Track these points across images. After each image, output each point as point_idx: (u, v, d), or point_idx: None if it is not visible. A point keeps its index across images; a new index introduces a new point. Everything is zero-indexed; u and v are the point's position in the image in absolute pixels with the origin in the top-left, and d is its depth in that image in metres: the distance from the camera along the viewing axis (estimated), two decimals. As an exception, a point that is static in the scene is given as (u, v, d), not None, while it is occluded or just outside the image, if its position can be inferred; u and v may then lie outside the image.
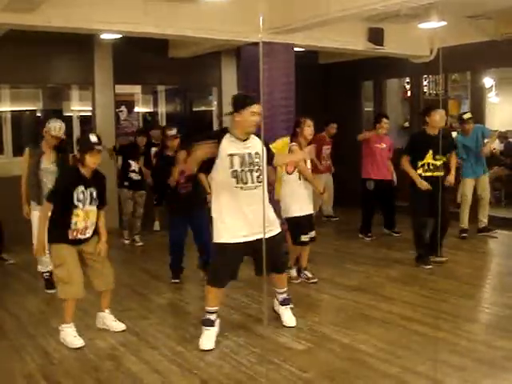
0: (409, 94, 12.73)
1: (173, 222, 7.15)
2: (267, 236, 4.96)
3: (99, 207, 5.35)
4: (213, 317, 5.21)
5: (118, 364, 4.82)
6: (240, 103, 5.08)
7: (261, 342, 5.12)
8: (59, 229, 5.13)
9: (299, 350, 5.01)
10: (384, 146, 9.45)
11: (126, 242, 9.50)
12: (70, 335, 5.21)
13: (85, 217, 5.16)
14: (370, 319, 5.74)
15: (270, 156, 5.34)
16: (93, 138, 5.11)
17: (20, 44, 9.08)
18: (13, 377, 4.63)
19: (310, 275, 7.07)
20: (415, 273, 7.42)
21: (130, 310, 6.12)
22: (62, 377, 4.60)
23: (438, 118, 7.46)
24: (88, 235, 5.26)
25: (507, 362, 4.68)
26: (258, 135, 5.13)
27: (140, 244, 9.46)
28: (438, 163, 7.41)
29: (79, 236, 5.19)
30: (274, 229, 5.28)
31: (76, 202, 5.09)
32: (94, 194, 5.20)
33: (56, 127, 6.63)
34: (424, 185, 7.32)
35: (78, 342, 5.17)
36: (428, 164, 7.42)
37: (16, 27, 7.33)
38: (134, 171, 9.40)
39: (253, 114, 5.00)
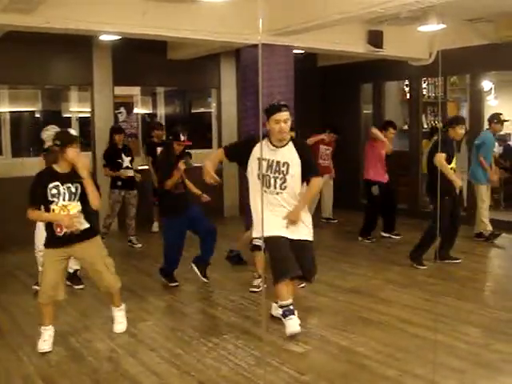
0: (408, 96, 12.72)
1: (170, 224, 7.10)
2: (298, 238, 5.35)
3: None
4: (291, 306, 5.30)
5: (115, 366, 4.81)
6: (267, 112, 5.29)
7: (259, 344, 5.11)
8: (48, 231, 5.17)
9: (298, 353, 5.01)
10: (383, 152, 9.49)
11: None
12: (41, 338, 5.17)
13: (61, 212, 5.05)
14: (368, 322, 5.74)
15: (306, 171, 5.42)
16: (72, 132, 5.27)
17: (19, 45, 9.08)
18: (10, 377, 4.63)
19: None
20: (414, 275, 7.42)
21: (128, 311, 6.09)
22: (59, 378, 4.59)
23: (460, 132, 7.76)
24: (78, 228, 5.13)
25: (505, 365, 4.69)
26: (299, 143, 5.52)
27: (138, 246, 9.44)
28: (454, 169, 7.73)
29: (65, 230, 5.06)
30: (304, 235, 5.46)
31: (50, 198, 5.04)
32: (74, 189, 5.10)
33: (50, 136, 6.64)
34: (459, 183, 7.61)
35: (44, 346, 5.13)
36: (452, 169, 7.65)
37: (15, 28, 7.32)
38: (127, 167, 9.36)
39: (277, 122, 5.21)
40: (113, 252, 8.68)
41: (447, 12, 8.52)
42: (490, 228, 9.26)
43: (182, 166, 6.83)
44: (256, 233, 5.53)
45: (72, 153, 5.04)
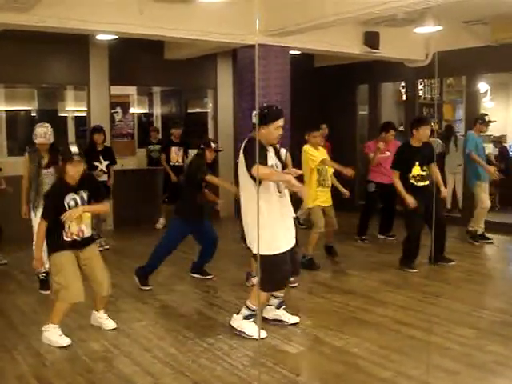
0: (404, 97, 12.75)
1: (179, 224, 7.04)
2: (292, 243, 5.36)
3: (99, 200, 5.48)
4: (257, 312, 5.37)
5: (110, 366, 4.80)
6: (268, 116, 5.17)
7: (254, 344, 5.12)
8: (55, 236, 5.23)
9: (292, 353, 5.01)
10: (388, 154, 9.43)
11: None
12: (56, 334, 5.22)
13: (78, 221, 5.28)
14: (363, 323, 5.75)
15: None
16: (73, 149, 5.26)
17: (15, 44, 9.08)
18: (4, 377, 4.61)
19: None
20: (409, 277, 7.44)
21: (123, 311, 6.11)
22: (53, 378, 4.58)
23: (426, 132, 7.63)
24: (84, 236, 5.34)
25: (499, 367, 4.70)
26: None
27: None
28: (425, 173, 7.62)
29: (75, 237, 5.27)
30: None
31: (68, 209, 5.20)
32: (85, 196, 5.32)
33: (40, 133, 6.69)
34: (412, 202, 7.43)
35: (63, 340, 5.19)
36: (418, 176, 7.59)
37: (11, 27, 7.32)
38: (102, 171, 9.10)
39: (277, 128, 5.18)
40: (107, 251, 8.72)
41: (443, 14, 8.54)
42: (481, 229, 9.26)
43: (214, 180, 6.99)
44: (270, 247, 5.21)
45: (72, 170, 5.21)
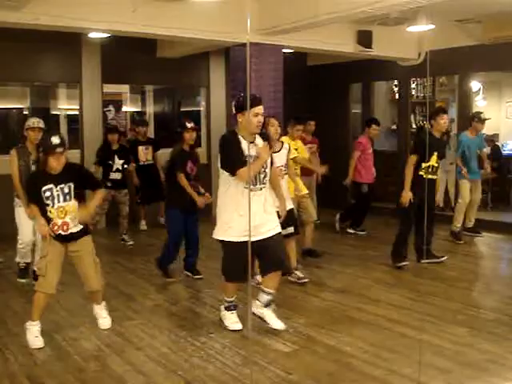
0: (397, 96, 12.76)
1: (175, 216, 7.08)
2: (269, 235, 5.26)
3: (94, 190, 5.41)
4: (233, 302, 5.47)
5: (102, 365, 4.79)
6: (242, 104, 5.15)
7: (246, 343, 5.11)
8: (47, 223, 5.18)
9: (284, 352, 5.01)
10: (371, 151, 9.54)
11: None
12: (32, 335, 5.18)
13: (59, 214, 5.14)
14: (355, 321, 5.75)
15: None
16: (54, 140, 5.04)
17: (7, 41, 9.04)
18: (-5, 377, 4.60)
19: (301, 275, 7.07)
20: (401, 275, 7.45)
21: (115, 310, 6.08)
22: (45, 377, 4.56)
23: (442, 121, 7.58)
24: (72, 231, 5.23)
25: (492, 365, 4.70)
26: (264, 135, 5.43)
27: (130, 243, 9.42)
28: (437, 167, 7.59)
29: (60, 231, 5.17)
30: (276, 228, 5.39)
31: (45, 201, 5.11)
32: (67, 189, 5.16)
33: (34, 121, 6.73)
34: (405, 202, 7.40)
35: (38, 342, 5.14)
36: (432, 167, 7.53)
37: (3, 25, 7.28)
38: (117, 170, 9.29)
39: (256, 114, 5.10)
40: (101, 250, 8.66)
41: (436, 13, 8.55)
42: (459, 225, 9.29)
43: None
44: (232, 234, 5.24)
45: (52, 162, 5.07)
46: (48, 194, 5.10)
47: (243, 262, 4.64)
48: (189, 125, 7.01)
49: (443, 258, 7.89)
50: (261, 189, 5.27)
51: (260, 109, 5.13)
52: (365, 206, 9.93)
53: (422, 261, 7.69)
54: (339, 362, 4.78)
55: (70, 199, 5.19)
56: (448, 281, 7.20)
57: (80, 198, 5.29)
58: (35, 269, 6.73)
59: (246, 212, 4.92)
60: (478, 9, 8.88)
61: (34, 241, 6.77)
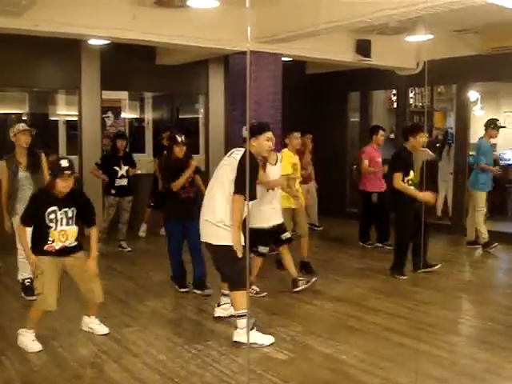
0: (395, 105, 12.80)
1: (169, 229, 7.10)
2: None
3: (88, 225, 5.45)
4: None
5: (99, 372, 4.79)
6: (257, 129, 5.56)
7: (243, 351, 5.11)
8: (37, 242, 5.20)
9: (281, 360, 5.00)
10: (379, 160, 9.47)
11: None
12: (29, 339, 5.22)
13: (60, 237, 5.18)
14: (352, 330, 5.75)
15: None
16: (63, 163, 5.11)
17: (6, 47, 9.04)
18: (-8, 383, 4.59)
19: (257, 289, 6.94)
20: (398, 284, 7.45)
21: (112, 317, 6.08)
22: (41, 383, 4.55)
23: (422, 140, 7.75)
24: (69, 246, 5.26)
25: (488, 375, 4.71)
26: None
27: (128, 250, 9.41)
28: (415, 180, 7.67)
29: (57, 249, 5.20)
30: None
31: (48, 223, 5.13)
32: (70, 213, 5.21)
33: (23, 124, 6.75)
34: (426, 195, 7.41)
35: (36, 346, 5.19)
36: (409, 181, 7.62)
37: (3, 31, 7.29)
38: (122, 176, 9.31)
39: (268, 139, 5.59)
40: (98, 256, 8.66)
41: (435, 23, 8.57)
42: (486, 235, 9.30)
43: (194, 163, 7.00)
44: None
45: (60, 184, 5.10)
46: (52, 216, 5.14)
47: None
48: (179, 138, 6.94)
49: (437, 266, 7.89)
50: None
51: (271, 134, 5.64)
52: (380, 216, 9.56)
53: (418, 271, 7.69)
54: (336, 370, 4.78)
55: (72, 224, 5.24)
56: (445, 290, 7.21)
57: (88, 224, 5.43)
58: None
59: None
60: (477, 19, 8.91)
61: None
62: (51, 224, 5.13)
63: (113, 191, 9.28)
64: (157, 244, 9.25)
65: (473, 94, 12.35)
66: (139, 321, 6.10)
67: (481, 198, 9.23)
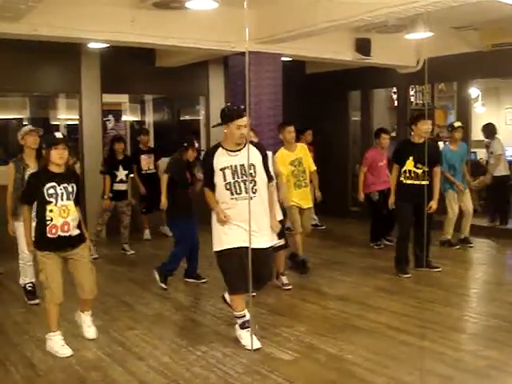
0: (396, 103, 12.79)
1: (183, 225, 7.28)
2: (259, 246, 5.05)
3: (75, 204, 5.32)
4: (246, 318, 5.28)
5: (104, 375, 4.78)
6: (227, 116, 5.13)
7: (247, 352, 5.10)
8: (41, 234, 5.15)
9: (286, 360, 5.00)
10: (384, 162, 9.39)
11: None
12: (58, 344, 5.20)
13: (61, 212, 5.11)
14: (357, 329, 5.74)
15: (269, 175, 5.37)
16: (57, 135, 5.24)
17: (6, 52, 9.05)
18: (-3, 388, 4.59)
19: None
20: (402, 282, 7.44)
21: (116, 320, 6.09)
22: (47, 388, 4.56)
23: (424, 127, 7.57)
24: (71, 233, 5.21)
25: (493, 371, 4.70)
26: (258, 145, 5.42)
27: (131, 253, 9.41)
28: (420, 171, 7.46)
29: (60, 233, 5.12)
30: (268, 240, 5.30)
31: (47, 198, 5.08)
32: (70, 189, 5.19)
33: (30, 126, 6.80)
34: (390, 203, 7.59)
35: (66, 351, 5.16)
36: (409, 171, 7.51)
37: (2, 36, 7.31)
38: (121, 181, 9.27)
39: (239, 127, 5.04)
40: (101, 259, 8.70)
41: (434, 20, 8.57)
42: (448, 235, 9.23)
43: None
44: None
45: (55, 155, 5.09)
46: (51, 191, 5.09)
47: (243, 270, 4.85)
48: (197, 144, 7.34)
49: (438, 269, 7.81)
50: (251, 198, 5.09)
51: (243, 121, 5.04)
52: (384, 214, 9.30)
53: (420, 269, 7.67)
54: (341, 369, 4.77)
55: (72, 199, 5.20)
56: (448, 287, 7.20)
57: (77, 203, 5.30)
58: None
59: (239, 221, 5.03)
60: (476, 16, 8.90)
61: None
62: (51, 199, 5.07)
63: (110, 195, 9.19)
64: (161, 246, 9.27)
65: (474, 91, 12.34)
66: (143, 323, 6.10)
67: (451, 200, 9.16)
